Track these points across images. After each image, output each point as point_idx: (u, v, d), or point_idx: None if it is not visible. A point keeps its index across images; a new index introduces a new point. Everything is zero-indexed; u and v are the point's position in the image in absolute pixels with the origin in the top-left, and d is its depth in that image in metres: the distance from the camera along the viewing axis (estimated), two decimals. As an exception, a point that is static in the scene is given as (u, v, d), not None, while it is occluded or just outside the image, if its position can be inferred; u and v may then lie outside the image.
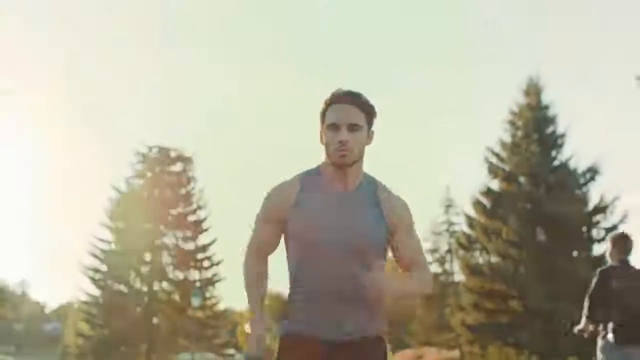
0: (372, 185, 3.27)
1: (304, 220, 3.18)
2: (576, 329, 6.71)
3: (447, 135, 69.27)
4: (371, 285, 3.09)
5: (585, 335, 6.62)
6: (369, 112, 3.22)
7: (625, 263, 6.59)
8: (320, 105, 3.26)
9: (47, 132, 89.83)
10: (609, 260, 6.79)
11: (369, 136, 3.25)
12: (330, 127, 3.18)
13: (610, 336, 6.39)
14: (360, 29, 79.35)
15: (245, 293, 3.34)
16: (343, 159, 3.15)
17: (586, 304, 6.57)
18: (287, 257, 3.29)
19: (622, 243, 6.60)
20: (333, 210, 3.18)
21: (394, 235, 3.25)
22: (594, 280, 6.60)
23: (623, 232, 6.79)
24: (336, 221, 3.16)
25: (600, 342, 6.48)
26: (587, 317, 6.54)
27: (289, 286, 3.29)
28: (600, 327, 6.48)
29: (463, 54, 73.38)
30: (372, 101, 3.25)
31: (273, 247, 3.34)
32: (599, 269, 6.71)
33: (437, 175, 72.32)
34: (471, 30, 75.37)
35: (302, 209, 3.19)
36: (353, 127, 3.16)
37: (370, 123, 3.24)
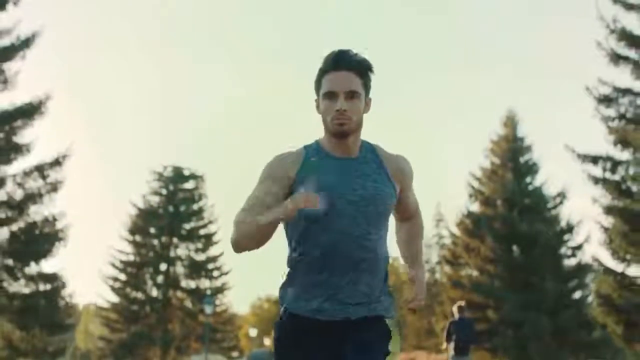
0: (371, 148, 3.29)
1: (313, 183, 3.12)
2: (443, 345, 13.48)
3: (440, 155, 75.14)
4: (419, 299, 3.29)
5: (443, 346, 13.55)
6: (366, 75, 3.19)
7: (461, 318, 13.15)
8: (316, 72, 3.21)
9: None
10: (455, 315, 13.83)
11: (367, 103, 3.22)
12: (326, 95, 3.15)
13: (452, 350, 12.97)
14: (360, 30, 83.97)
15: (251, 231, 3.03)
16: (342, 128, 3.13)
17: (445, 334, 13.12)
18: (290, 226, 3.23)
19: (460, 309, 13.81)
20: (343, 174, 3.16)
21: (402, 194, 3.32)
22: (447, 324, 13.20)
23: (460, 304, 13.55)
24: (348, 184, 3.14)
25: (450, 353, 13.00)
26: (446, 340, 13.04)
27: (289, 257, 3.24)
28: (450, 345, 13.01)
29: (462, 70, 78.49)
30: (368, 60, 3.21)
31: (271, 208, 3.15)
32: (449, 321, 13.63)
33: (429, 191, 77.59)
34: (472, 43, 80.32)
35: (311, 173, 3.16)
36: (351, 95, 3.13)
37: (367, 89, 3.21)
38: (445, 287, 38.08)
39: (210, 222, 44.01)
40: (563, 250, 36.31)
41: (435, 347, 43.22)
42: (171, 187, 43.96)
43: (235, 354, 48.62)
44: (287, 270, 3.27)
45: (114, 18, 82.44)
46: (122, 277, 42.61)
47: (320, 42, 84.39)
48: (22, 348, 22.11)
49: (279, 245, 3.28)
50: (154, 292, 42.57)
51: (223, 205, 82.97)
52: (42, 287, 23.04)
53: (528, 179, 37.11)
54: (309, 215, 3.12)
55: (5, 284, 21.78)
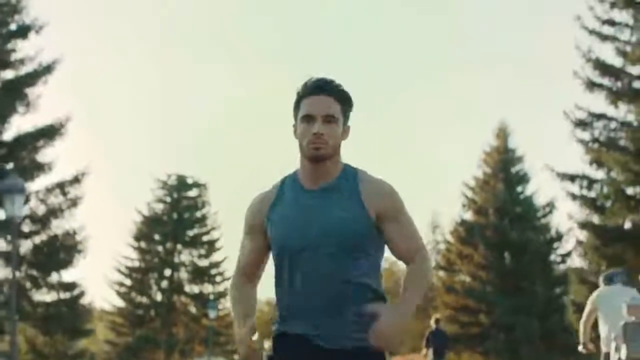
0: (352, 176, 3.20)
1: (275, 227, 3.17)
2: (423, 350, 16.33)
3: (438, 160, 77.55)
4: (378, 339, 2.99)
5: (423, 352, 16.55)
6: (346, 103, 3.20)
7: (437, 329, 16.06)
8: (294, 96, 3.23)
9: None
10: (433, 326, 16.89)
11: (345, 131, 3.22)
12: (304, 118, 3.15)
13: (431, 355, 15.68)
14: (360, 30, 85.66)
15: (232, 313, 3.29)
16: (317, 152, 3.12)
17: (425, 341, 15.77)
18: (271, 257, 3.27)
19: (437, 322, 17.53)
20: (306, 208, 3.15)
21: (382, 225, 3.15)
22: (427, 333, 15.80)
23: (437, 317, 16.94)
24: (310, 220, 3.12)
25: (430, 356, 15.74)
26: (425, 346, 15.73)
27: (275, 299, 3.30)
28: (430, 351, 15.75)
29: (462, 71, 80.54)
30: (348, 91, 3.23)
31: (259, 264, 3.31)
32: (428, 331, 16.43)
33: (425, 198, 79.47)
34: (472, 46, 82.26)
35: (276, 216, 3.18)
36: (328, 119, 3.13)
37: (346, 116, 3.21)
38: (439, 292, 40.50)
39: (213, 228, 46.31)
40: (552, 257, 38.80)
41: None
42: (175, 195, 46.23)
43: (236, 356, 50.77)
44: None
45: (115, 18, 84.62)
46: (128, 282, 44.76)
47: (321, 41, 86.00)
48: (45, 352, 24.67)
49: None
50: (159, 297, 44.90)
51: (226, 212, 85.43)
52: (63, 295, 25.56)
53: (519, 189, 39.55)
54: (278, 256, 3.17)
55: (29, 293, 24.19)
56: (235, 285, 3.35)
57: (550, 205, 38.92)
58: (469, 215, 39.95)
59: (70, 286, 25.81)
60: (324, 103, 3.15)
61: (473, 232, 38.84)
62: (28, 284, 24.31)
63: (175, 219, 45.51)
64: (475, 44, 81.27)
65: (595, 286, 20.77)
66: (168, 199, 46.10)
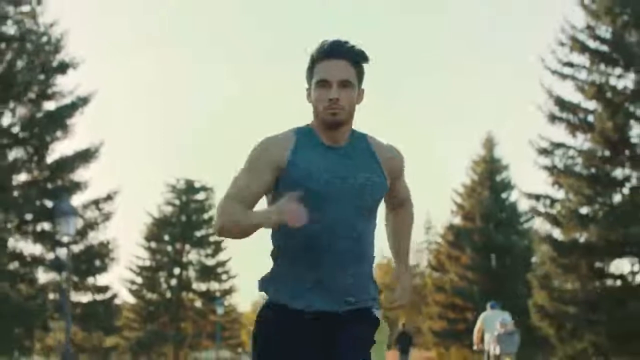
0: (362, 137, 3.41)
1: (300, 172, 3.25)
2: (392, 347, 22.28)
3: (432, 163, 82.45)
4: (403, 299, 3.55)
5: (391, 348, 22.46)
6: (361, 67, 3.33)
7: (404, 331, 21.84)
8: (308, 59, 3.34)
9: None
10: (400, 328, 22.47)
11: (359, 94, 3.34)
12: (319, 83, 3.26)
13: (398, 351, 21.26)
14: (361, 30, 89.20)
15: (235, 223, 3.18)
16: (334, 118, 3.24)
17: (394, 340, 21.39)
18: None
19: (403, 325, 23.49)
20: (333, 164, 3.28)
21: (391, 182, 3.43)
22: (397, 334, 21.34)
23: (403, 322, 22.87)
24: (338, 175, 3.27)
25: (397, 353, 21.37)
26: (394, 344, 21.70)
27: (272, 249, 3.38)
28: (397, 347, 21.35)
29: (461, 70, 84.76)
30: (364, 50, 3.34)
31: (256, 198, 3.31)
32: (398, 331, 22.01)
33: (420, 198, 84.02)
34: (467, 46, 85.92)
35: (300, 161, 3.27)
36: (344, 84, 3.25)
37: (360, 80, 3.34)
38: (430, 290, 45.93)
39: None
40: (534, 259, 44.04)
41: (424, 345, 51.11)
42: (183, 199, 50.87)
43: (239, 349, 55.76)
44: (270, 262, 3.37)
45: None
46: (139, 280, 48.93)
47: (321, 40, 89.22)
48: (84, 346, 30.14)
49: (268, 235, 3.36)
50: (168, 294, 49.08)
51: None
52: (98, 296, 31.02)
53: (504, 195, 44.83)
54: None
55: (70, 295, 29.51)
56: (232, 205, 3.23)
57: (533, 211, 44.14)
58: (457, 220, 45.27)
59: (104, 289, 31.34)
60: (339, 68, 3.25)
61: (461, 236, 44.12)
62: (69, 287, 29.59)
63: (183, 221, 49.57)
64: (474, 44, 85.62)
65: (553, 291, 26.44)
66: (177, 202, 50.19)
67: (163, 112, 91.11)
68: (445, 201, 45.42)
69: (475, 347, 17.58)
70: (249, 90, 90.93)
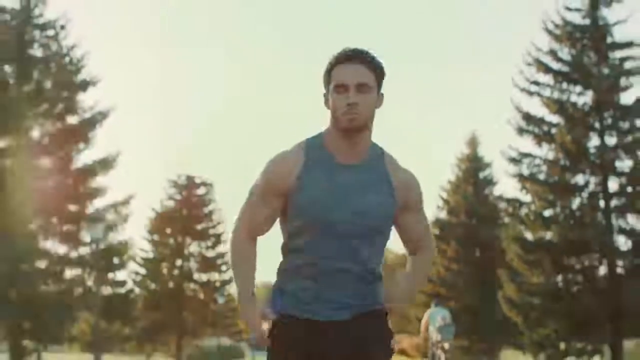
0: (380, 156, 3.48)
1: (311, 195, 3.36)
2: None
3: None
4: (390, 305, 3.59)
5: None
6: (379, 71, 3.41)
7: None
8: (326, 65, 3.39)
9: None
10: None
11: (379, 99, 3.42)
12: (337, 88, 3.34)
13: None
14: (361, 29, 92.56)
15: (233, 274, 3.52)
16: (351, 123, 3.31)
17: None
18: (285, 230, 3.52)
19: None
20: (342, 185, 3.37)
21: (403, 213, 3.52)
22: None
23: None
24: (346, 198, 3.36)
25: None
26: None
27: (281, 261, 3.57)
28: None
29: (460, 65, 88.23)
30: (382, 61, 3.40)
31: (268, 225, 3.54)
32: None
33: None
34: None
35: (309, 182, 3.37)
36: (363, 88, 3.33)
37: (380, 84, 3.42)
38: (419, 281, 51.05)
39: (219, 223, 54.45)
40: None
41: (417, 331, 56.29)
42: (185, 194, 55.40)
43: (244, 335, 59.61)
44: (279, 272, 3.56)
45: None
46: (142, 271, 52.81)
47: (321, 41, 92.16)
48: (105, 335, 35.48)
49: (273, 233, 3.57)
50: (170, 285, 52.93)
51: (230, 208, 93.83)
52: (117, 290, 36.40)
53: (486, 191, 50.07)
54: (297, 233, 3.40)
55: (93, 289, 34.70)
56: (242, 243, 3.52)
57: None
58: (443, 215, 50.53)
59: (121, 283, 36.71)
60: (357, 71, 3.34)
61: (446, 230, 49.37)
62: (91, 282, 34.83)
63: (185, 215, 53.47)
64: (474, 41, 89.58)
65: (520, 284, 31.13)
66: (178, 197, 54.36)
67: (165, 112, 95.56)
68: (432, 197, 50.30)
69: (421, 335, 23.93)
70: (250, 89, 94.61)
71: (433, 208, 50.68)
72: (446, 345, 22.21)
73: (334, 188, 3.40)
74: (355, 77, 3.34)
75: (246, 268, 3.54)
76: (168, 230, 53.80)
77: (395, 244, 39.54)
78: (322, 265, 3.43)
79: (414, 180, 3.56)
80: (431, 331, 22.52)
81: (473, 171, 49.91)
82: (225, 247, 53.90)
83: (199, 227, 54.38)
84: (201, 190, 55.29)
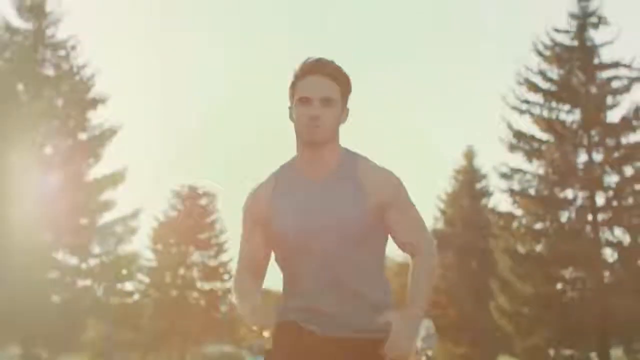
0: (352, 162, 3.41)
1: (277, 221, 3.39)
2: None
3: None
4: (391, 350, 3.28)
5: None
6: (345, 85, 3.37)
7: None
8: (289, 77, 3.37)
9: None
10: None
11: (344, 113, 3.39)
12: (300, 101, 3.32)
13: None
14: (362, 29, 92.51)
15: (237, 307, 3.45)
16: (314, 137, 3.31)
17: None
18: (275, 260, 3.54)
19: None
20: (311, 201, 3.37)
21: (385, 215, 3.41)
22: None
23: None
24: (317, 214, 3.34)
25: None
26: None
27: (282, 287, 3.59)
28: None
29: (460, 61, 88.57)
30: (347, 73, 3.36)
31: (264, 259, 3.54)
32: None
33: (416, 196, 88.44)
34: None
35: (278, 211, 3.40)
36: (327, 102, 3.30)
37: (345, 97, 3.39)
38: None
39: (221, 232, 55.99)
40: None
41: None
42: (187, 204, 57.07)
43: (243, 343, 61.28)
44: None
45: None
46: (147, 280, 54.27)
47: (321, 40, 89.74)
48: (118, 341, 37.66)
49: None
50: (174, 293, 54.31)
51: (232, 218, 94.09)
52: (126, 299, 38.53)
53: (483, 202, 52.11)
54: (278, 259, 3.45)
55: (102, 299, 36.76)
56: (240, 277, 3.51)
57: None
58: (440, 225, 52.58)
59: (130, 293, 38.85)
60: (321, 84, 3.31)
61: (444, 240, 51.41)
62: (102, 292, 36.91)
63: (188, 225, 54.82)
64: (474, 39, 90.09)
65: (512, 294, 32.80)
66: (181, 207, 56.06)
67: (171, 124, 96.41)
68: (430, 207, 52.15)
69: None
70: (257, 104, 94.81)
71: (430, 219, 52.70)
72: (429, 352, 24.28)
73: (305, 206, 3.41)
74: (319, 90, 3.33)
75: (249, 295, 3.46)
76: (171, 240, 55.20)
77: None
78: (306, 284, 3.45)
79: (389, 178, 3.47)
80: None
81: (470, 183, 51.96)
82: (227, 256, 55.75)
83: (202, 236, 55.86)
84: (204, 200, 56.86)
